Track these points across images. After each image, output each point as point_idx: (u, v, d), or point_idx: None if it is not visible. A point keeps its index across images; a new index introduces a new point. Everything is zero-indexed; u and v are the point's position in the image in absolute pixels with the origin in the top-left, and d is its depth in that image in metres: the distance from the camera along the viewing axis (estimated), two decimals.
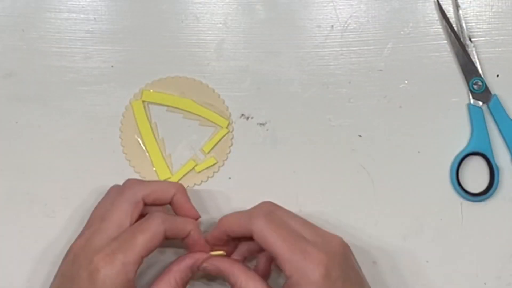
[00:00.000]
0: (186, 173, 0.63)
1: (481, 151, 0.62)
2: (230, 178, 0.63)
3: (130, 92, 0.64)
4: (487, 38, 0.64)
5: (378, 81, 0.64)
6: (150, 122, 0.64)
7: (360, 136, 0.63)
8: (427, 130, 0.63)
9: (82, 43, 0.64)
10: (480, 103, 0.62)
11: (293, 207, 0.62)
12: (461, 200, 0.63)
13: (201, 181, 0.63)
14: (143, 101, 0.64)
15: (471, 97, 0.63)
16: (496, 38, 0.64)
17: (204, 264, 0.58)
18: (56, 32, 0.64)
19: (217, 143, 0.63)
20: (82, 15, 0.64)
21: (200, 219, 0.60)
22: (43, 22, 0.64)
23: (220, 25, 0.64)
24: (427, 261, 0.62)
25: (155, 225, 0.55)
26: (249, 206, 0.60)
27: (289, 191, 0.63)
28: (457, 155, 0.62)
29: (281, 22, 0.64)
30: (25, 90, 0.64)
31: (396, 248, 0.62)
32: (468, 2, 0.64)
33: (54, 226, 0.62)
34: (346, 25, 0.64)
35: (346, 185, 0.63)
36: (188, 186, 0.63)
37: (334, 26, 0.64)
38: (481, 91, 0.62)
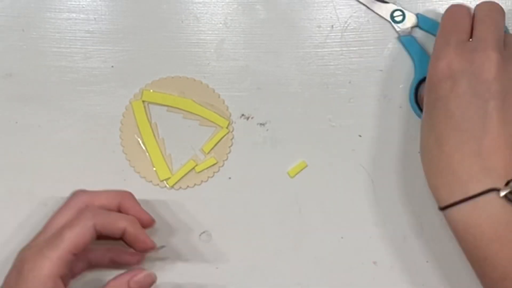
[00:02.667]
0: (186, 173, 0.63)
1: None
2: (230, 178, 0.63)
3: (130, 92, 0.64)
4: None
5: (378, 81, 0.64)
6: (150, 122, 0.64)
7: (360, 136, 0.63)
8: None
9: (82, 43, 0.64)
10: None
11: (293, 207, 0.62)
12: None
13: (201, 181, 0.63)
14: (143, 101, 0.64)
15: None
16: None
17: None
18: (56, 32, 0.64)
19: (217, 143, 0.63)
20: (82, 15, 0.64)
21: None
22: (43, 22, 0.64)
23: (220, 25, 0.64)
24: (427, 261, 0.62)
25: (84, 220, 0.55)
26: (249, 206, 0.60)
27: (289, 191, 0.63)
28: None
29: (281, 22, 0.64)
30: (25, 90, 0.64)
31: (396, 248, 0.62)
32: None
33: None
34: (346, 25, 0.64)
35: (346, 185, 0.63)
36: (188, 186, 0.63)
37: (334, 26, 0.64)
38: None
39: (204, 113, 0.63)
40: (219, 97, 0.64)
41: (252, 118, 0.64)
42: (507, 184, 0.52)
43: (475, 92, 0.54)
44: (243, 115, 0.63)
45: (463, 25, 0.57)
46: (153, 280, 0.58)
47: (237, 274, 0.62)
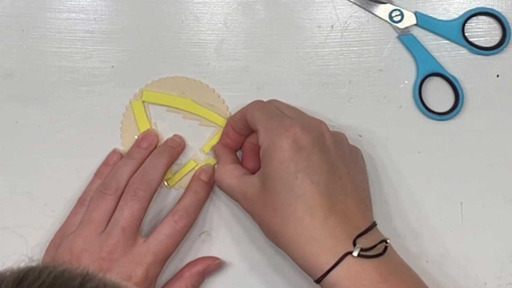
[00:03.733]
0: (186, 173, 0.63)
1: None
2: None
3: (130, 92, 0.64)
4: None
5: (378, 81, 0.64)
6: (150, 122, 0.64)
7: (360, 136, 0.63)
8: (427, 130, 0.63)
9: (82, 43, 0.64)
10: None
11: None
12: (461, 200, 0.63)
13: None
14: (143, 101, 0.64)
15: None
16: None
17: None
18: (56, 32, 0.64)
19: (217, 143, 0.63)
20: (82, 15, 0.64)
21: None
22: (43, 22, 0.64)
23: (220, 25, 0.64)
24: (427, 261, 0.62)
25: None
26: None
27: None
28: None
29: (281, 22, 0.64)
30: (25, 90, 0.64)
31: (396, 248, 0.62)
32: None
33: (54, 226, 0.62)
34: (346, 25, 0.64)
35: None
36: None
37: (334, 26, 0.64)
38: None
39: (204, 113, 0.63)
40: (219, 97, 0.64)
41: None
42: (354, 244, 0.53)
43: (328, 160, 0.55)
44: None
45: (276, 109, 0.59)
46: (221, 267, 0.62)
47: (237, 274, 0.62)
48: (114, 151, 0.62)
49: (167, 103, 0.64)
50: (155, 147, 0.62)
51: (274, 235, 0.56)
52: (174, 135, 0.63)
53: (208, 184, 0.61)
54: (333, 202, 0.54)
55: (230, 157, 0.61)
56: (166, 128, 0.64)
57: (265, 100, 0.63)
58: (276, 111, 0.59)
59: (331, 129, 0.62)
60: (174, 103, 0.63)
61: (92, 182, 0.62)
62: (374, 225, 0.56)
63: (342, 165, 0.56)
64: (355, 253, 0.53)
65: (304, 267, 0.55)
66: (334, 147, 0.56)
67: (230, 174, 0.59)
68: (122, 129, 0.64)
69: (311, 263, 0.54)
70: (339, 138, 0.58)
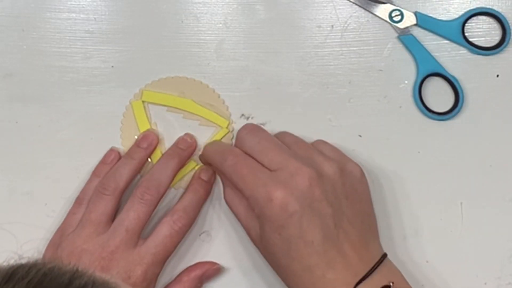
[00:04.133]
0: (187, 173, 0.63)
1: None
2: None
3: (130, 92, 0.64)
4: None
5: (378, 81, 0.64)
6: (150, 122, 0.64)
7: (360, 136, 0.63)
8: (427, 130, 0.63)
9: (82, 43, 0.64)
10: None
11: None
12: (461, 200, 0.63)
13: None
14: (143, 102, 0.64)
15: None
16: None
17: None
18: (56, 32, 0.64)
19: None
20: (82, 15, 0.64)
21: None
22: (43, 22, 0.64)
23: (220, 25, 0.64)
24: (427, 261, 0.62)
25: None
26: None
27: None
28: None
29: (281, 22, 0.64)
30: (25, 90, 0.64)
31: (396, 248, 0.62)
32: None
33: (54, 226, 0.62)
34: (346, 25, 0.64)
35: None
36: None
37: (334, 26, 0.64)
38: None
39: (204, 113, 0.63)
40: (219, 97, 0.64)
41: (252, 118, 0.64)
42: None
43: (320, 213, 0.55)
44: (243, 115, 0.63)
45: (251, 165, 0.57)
46: (219, 272, 0.62)
47: (237, 274, 0.62)
48: (112, 150, 0.62)
49: (167, 103, 0.64)
50: (155, 147, 0.62)
51: (280, 278, 0.57)
52: (186, 134, 0.63)
53: (208, 183, 0.61)
54: (329, 258, 0.54)
55: None
56: (166, 128, 0.64)
57: (264, 97, 0.63)
58: (254, 169, 0.56)
59: (331, 128, 0.62)
60: (174, 103, 0.63)
61: (90, 181, 0.62)
62: (379, 263, 0.55)
63: (336, 211, 0.55)
64: None
65: None
66: (324, 196, 0.55)
67: (237, 201, 0.59)
68: (122, 129, 0.64)
69: None
70: (330, 176, 0.56)
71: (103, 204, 0.59)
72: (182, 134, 0.63)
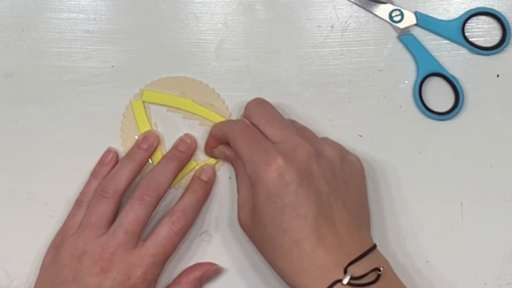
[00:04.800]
0: (187, 173, 0.63)
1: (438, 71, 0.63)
2: (230, 178, 0.63)
3: (130, 92, 0.64)
4: None
5: (378, 81, 0.64)
6: (150, 122, 0.64)
7: (360, 136, 0.63)
8: (427, 130, 0.63)
9: (82, 43, 0.64)
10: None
11: None
12: (461, 200, 0.63)
13: None
14: (143, 101, 0.64)
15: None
16: None
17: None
18: (56, 32, 0.64)
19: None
20: (82, 15, 0.64)
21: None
22: (43, 22, 0.64)
23: (220, 25, 0.64)
24: (427, 261, 0.62)
25: None
26: None
27: None
28: None
29: (281, 22, 0.64)
30: (25, 90, 0.64)
31: (396, 248, 0.62)
32: None
33: (54, 226, 0.62)
34: (346, 25, 0.64)
35: None
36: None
37: (334, 26, 0.64)
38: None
39: (204, 113, 0.63)
40: (219, 97, 0.64)
41: None
42: (345, 272, 0.53)
43: (316, 189, 0.54)
44: (243, 115, 0.63)
45: (257, 134, 0.58)
46: (218, 273, 0.62)
47: (237, 274, 0.62)
48: (109, 150, 0.62)
49: (167, 103, 0.64)
50: (156, 148, 0.62)
51: (267, 260, 0.56)
52: (185, 135, 0.63)
53: (208, 184, 0.61)
54: (321, 234, 0.54)
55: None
56: (166, 128, 0.64)
57: (264, 97, 0.63)
58: (257, 136, 0.57)
59: (331, 128, 0.62)
60: (174, 103, 0.64)
61: (88, 183, 0.62)
62: (370, 249, 0.55)
63: (332, 191, 0.55)
64: (344, 281, 0.52)
65: None
66: (323, 173, 0.55)
67: (245, 177, 0.58)
68: (122, 129, 0.64)
69: None
70: (330, 158, 0.57)
71: (103, 206, 0.59)
72: (182, 134, 0.63)
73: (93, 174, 0.62)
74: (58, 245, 0.59)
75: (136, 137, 0.63)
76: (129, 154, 0.62)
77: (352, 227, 0.55)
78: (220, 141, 0.61)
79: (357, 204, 0.57)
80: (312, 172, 0.55)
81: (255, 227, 0.56)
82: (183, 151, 0.62)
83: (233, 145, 0.58)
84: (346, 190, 0.56)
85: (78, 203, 0.61)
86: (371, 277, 0.53)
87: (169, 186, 0.60)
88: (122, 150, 0.63)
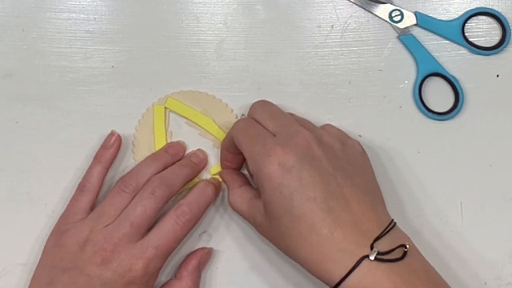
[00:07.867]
0: (188, 187, 0.62)
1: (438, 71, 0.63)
2: None
3: (130, 92, 0.64)
4: None
5: (378, 81, 0.64)
6: (166, 129, 0.63)
7: (360, 136, 0.63)
8: (427, 130, 0.63)
9: (82, 43, 0.64)
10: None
11: None
12: (461, 200, 0.63)
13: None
14: (166, 108, 0.63)
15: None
16: None
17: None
18: (56, 32, 0.64)
19: (222, 169, 0.63)
20: (82, 15, 0.64)
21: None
22: (43, 22, 0.64)
23: (220, 25, 0.64)
24: None
25: None
26: None
27: None
28: None
29: (281, 22, 0.64)
30: (25, 90, 0.64)
31: None
32: None
33: (54, 226, 0.62)
34: (346, 25, 0.64)
35: None
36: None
37: (334, 26, 0.64)
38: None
39: (220, 136, 0.63)
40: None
41: None
42: (372, 247, 0.52)
43: (320, 172, 0.54)
44: (243, 115, 0.63)
45: (259, 128, 0.58)
46: (211, 254, 0.62)
47: (237, 274, 0.62)
48: (112, 133, 0.62)
49: (188, 116, 0.63)
50: (181, 159, 0.62)
51: (289, 256, 0.55)
52: (199, 150, 0.63)
53: (216, 187, 0.61)
54: (335, 215, 0.53)
55: (238, 180, 0.61)
56: (180, 140, 0.63)
57: (264, 97, 0.63)
58: (258, 130, 0.57)
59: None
60: (195, 117, 0.63)
61: (91, 167, 0.61)
62: (390, 225, 0.54)
63: (338, 171, 0.55)
64: (371, 257, 0.52)
65: (324, 282, 0.54)
66: (325, 156, 0.55)
67: (240, 199, 0.59)
68: (138, 128, 0.63)
69: (326, 278, 0.53)
70: (330, 143, 0.57)
71: (120, 200, 0.59)
72: (193, 149, 0.63)
73: (96, 157, 0.62)
74: (61, 231, 0.59)
75: (149, 139, 0.63)
76: (155, 155, 0.62)
77: (365, 204, 0.54)
78: (231, 150, 0.60)
79: (366, 182, 0.56)
80: (314, 156, 0.54)
81: (272, 224, 0.55)
82: (196, 163, 0.62)
83: (237, 142, 0.58)
84: (352, 169, 0.56)
85: (80, 187, 0.61)
86: (397, 253, 0.53)
87: (180, 189, 0.60)
88: (132, 149, 0.63)
